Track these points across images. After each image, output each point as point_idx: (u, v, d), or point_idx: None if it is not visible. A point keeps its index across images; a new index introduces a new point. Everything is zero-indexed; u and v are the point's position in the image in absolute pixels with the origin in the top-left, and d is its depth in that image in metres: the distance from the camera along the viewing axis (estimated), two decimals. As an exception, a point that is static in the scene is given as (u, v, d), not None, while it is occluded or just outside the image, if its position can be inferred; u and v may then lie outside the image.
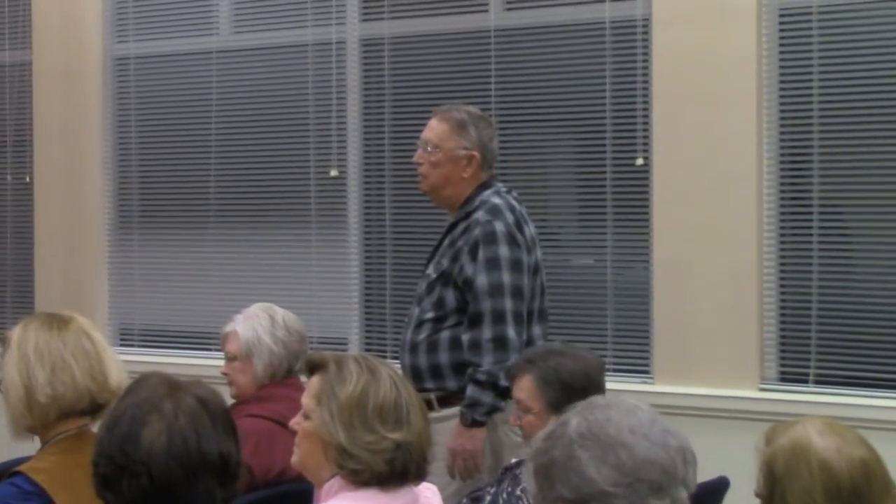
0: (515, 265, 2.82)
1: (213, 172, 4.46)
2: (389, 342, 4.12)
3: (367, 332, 4.21)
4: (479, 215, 2.87)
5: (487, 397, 2.75)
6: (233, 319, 2.85)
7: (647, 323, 3.74)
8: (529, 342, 2.87)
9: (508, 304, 2.78)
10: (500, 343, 2.75)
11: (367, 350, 4.10)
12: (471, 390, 2.76)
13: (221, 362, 2.85)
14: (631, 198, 3.80)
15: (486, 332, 2.76)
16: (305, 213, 4.30)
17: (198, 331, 4.44)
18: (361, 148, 4.21)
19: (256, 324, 2.78)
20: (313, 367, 1.91)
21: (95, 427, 1.88)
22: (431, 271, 2.93)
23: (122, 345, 4.56)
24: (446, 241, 2.95)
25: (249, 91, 4.39)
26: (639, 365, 3.76)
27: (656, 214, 3.70)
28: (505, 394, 2.70)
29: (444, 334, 2.86)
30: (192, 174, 4.52)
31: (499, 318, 2.76)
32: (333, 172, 4.19)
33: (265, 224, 4.38)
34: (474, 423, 2.77)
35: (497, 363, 2.74)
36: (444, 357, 2.87)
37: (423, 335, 2.89)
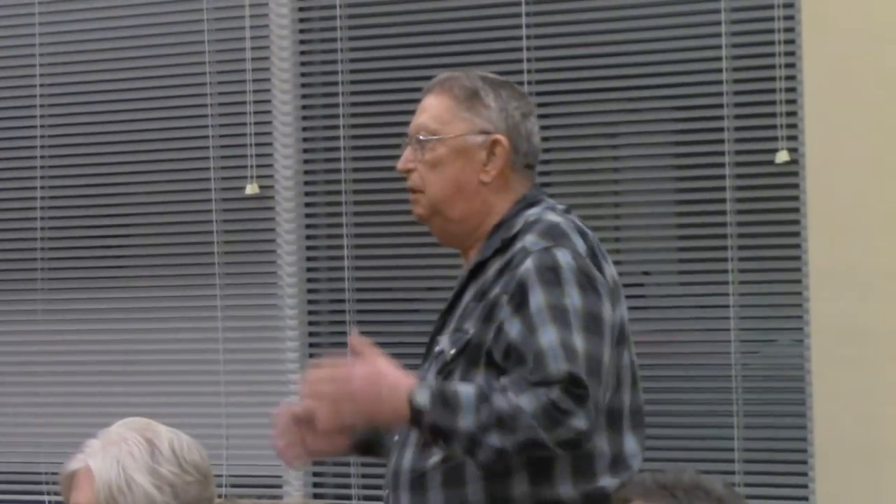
0: (592, 323, 2.67)
1: (41, 199, 4.36)
2: (355, 479, 4.06)
3: (316, 462, 4.00)
4: (528, 240, 2.72)
5: (508, 441, 2.57)
6: (82, 448, 2.48)
7: (802, 432, 3.70)
8: (619, 463, 2.71)
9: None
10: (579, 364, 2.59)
11: (317, 495, 4.10)
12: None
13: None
14: (768, 219, 3.78)
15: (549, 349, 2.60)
16: (204, 260, 4.23)
17: (17, 471, 4.35)
18: (298, 150, 4.17)
19: (123, 455, 2.47)
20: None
21: None
22: (445, 345, 2.77)
23: None
24: (468, 294, 2.79)
25: (102, 60, 4.32)
26: (789, 498, 3.78)
27: (813, 246, 3.62)
28: (564, 447, 2.56)
29: None
30: (5, 203, 4.44)
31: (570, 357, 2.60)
32: (251, 188, 4.13)
33: (134, 282, 4.33)
34: (436, 432, 2.59)
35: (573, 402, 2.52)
36: (475, 493, 2.72)
37: (434, 457, 2.74)
